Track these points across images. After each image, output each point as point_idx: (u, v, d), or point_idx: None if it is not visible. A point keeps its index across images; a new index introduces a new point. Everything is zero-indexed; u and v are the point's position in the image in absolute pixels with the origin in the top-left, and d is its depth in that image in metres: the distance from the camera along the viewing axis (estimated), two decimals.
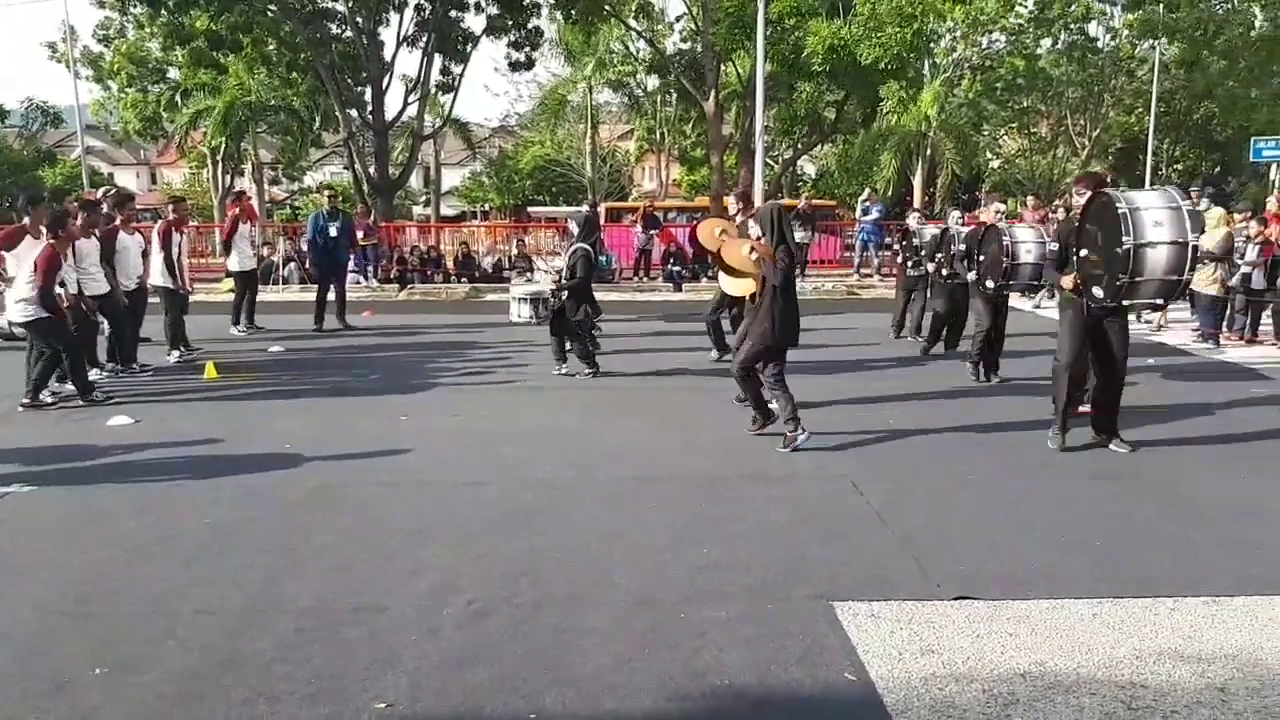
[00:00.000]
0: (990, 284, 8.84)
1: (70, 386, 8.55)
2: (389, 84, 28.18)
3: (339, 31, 28.38)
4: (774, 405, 6.99)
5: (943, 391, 8.65)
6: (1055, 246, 6.96)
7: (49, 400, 8.32)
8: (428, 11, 26.96)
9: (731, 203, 9.52)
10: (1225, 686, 3.49)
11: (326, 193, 14.67)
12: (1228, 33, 28.24)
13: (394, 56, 27.81)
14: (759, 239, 6.72)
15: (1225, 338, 11.70)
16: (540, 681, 3.55)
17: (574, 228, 9.37)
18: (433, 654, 3.76)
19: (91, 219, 9.16)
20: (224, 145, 34.13)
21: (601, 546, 4.92)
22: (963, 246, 9.49)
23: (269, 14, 26.00)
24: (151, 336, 10.64)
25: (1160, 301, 6.82)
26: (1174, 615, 4.08)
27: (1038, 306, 14.21)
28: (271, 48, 29.16)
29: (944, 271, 10.19)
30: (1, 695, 3.47)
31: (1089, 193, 6.52)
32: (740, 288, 7.14)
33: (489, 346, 11.50)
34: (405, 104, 29.78)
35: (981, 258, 8.99)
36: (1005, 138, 38.93)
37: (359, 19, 26.92)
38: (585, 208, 15.84)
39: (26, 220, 8.22)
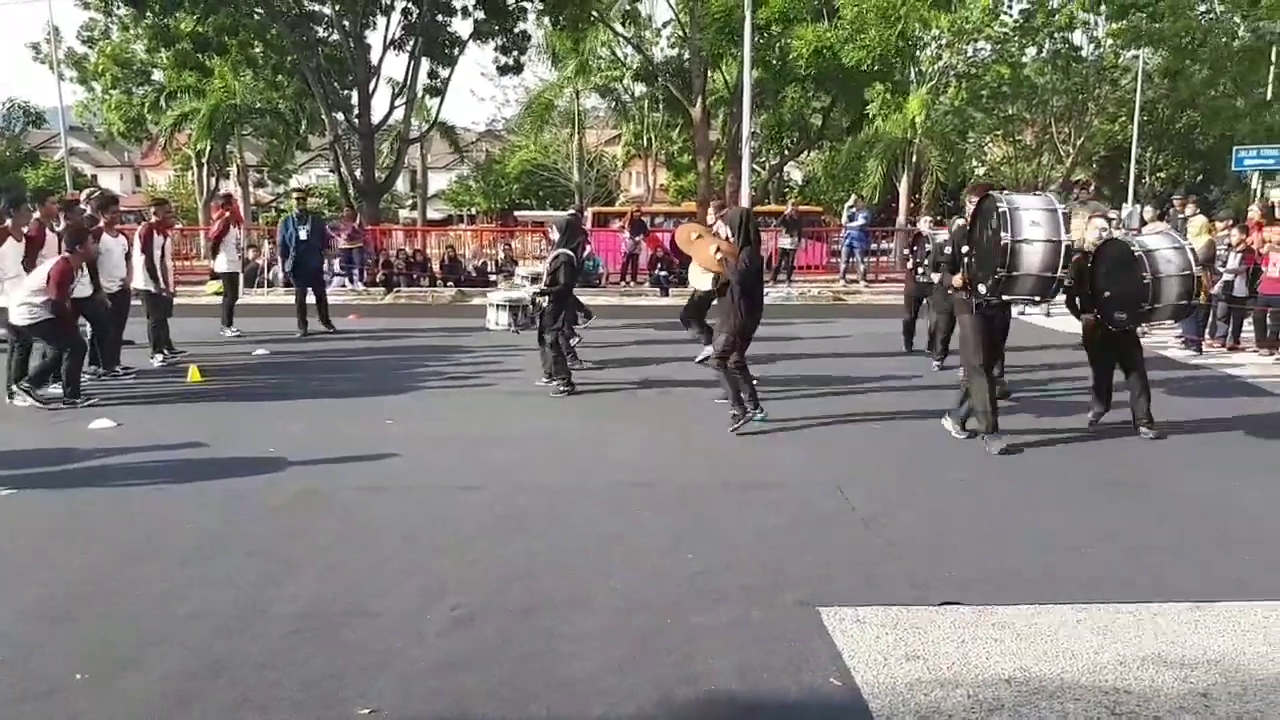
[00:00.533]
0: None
1: (54, 390, 8.52)
2: (375, 87, 28.12)
3: (326, 34, 28.27)
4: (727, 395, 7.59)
5: (928, 397, 8.68)
6: (949, 250, 7.65)
7: (42, 397, 8.28)
8: (415, 15, 26.89)
9: (711, 212, 9.98)
10: (1208, 692, 3.52)
11: (295, 195, 14.35)
12: (1211, 42, 28.49)
13: (381, 60, 27.74)
14: (727, 239, 7.42)
15: (1208, 345, 11.79)
16: (530, 687, 3.54)
17: (555, 234, 9.08)
18: (422, 659, 3.75)
19: (75, 220, 9.10)
20: (209, 148, 34.01)
21: (591, 552, 4.92)
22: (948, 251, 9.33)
23: (255, 16, 25.88)
24: (135, 339, 10.57)
25: (1037, 298, 7.21)
26: (1157, 620, 4.11)
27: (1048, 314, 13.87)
28: (258, 50, 29.05)
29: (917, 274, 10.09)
30: None
31: (979, 198, 7.03)
32: (708, 283, 8.44)
33: (475, 350, 11.48)
34: (392, 107, 29.71)
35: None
36: (990, 145, 39.14)
37: (346, 22, 26.82)
38: (571, 212, 15.80)
39: (9, 222, 8.17)
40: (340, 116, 28.40)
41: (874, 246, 22.14)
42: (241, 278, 13.72)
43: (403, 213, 50.25)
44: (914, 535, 5.18)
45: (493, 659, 3.75)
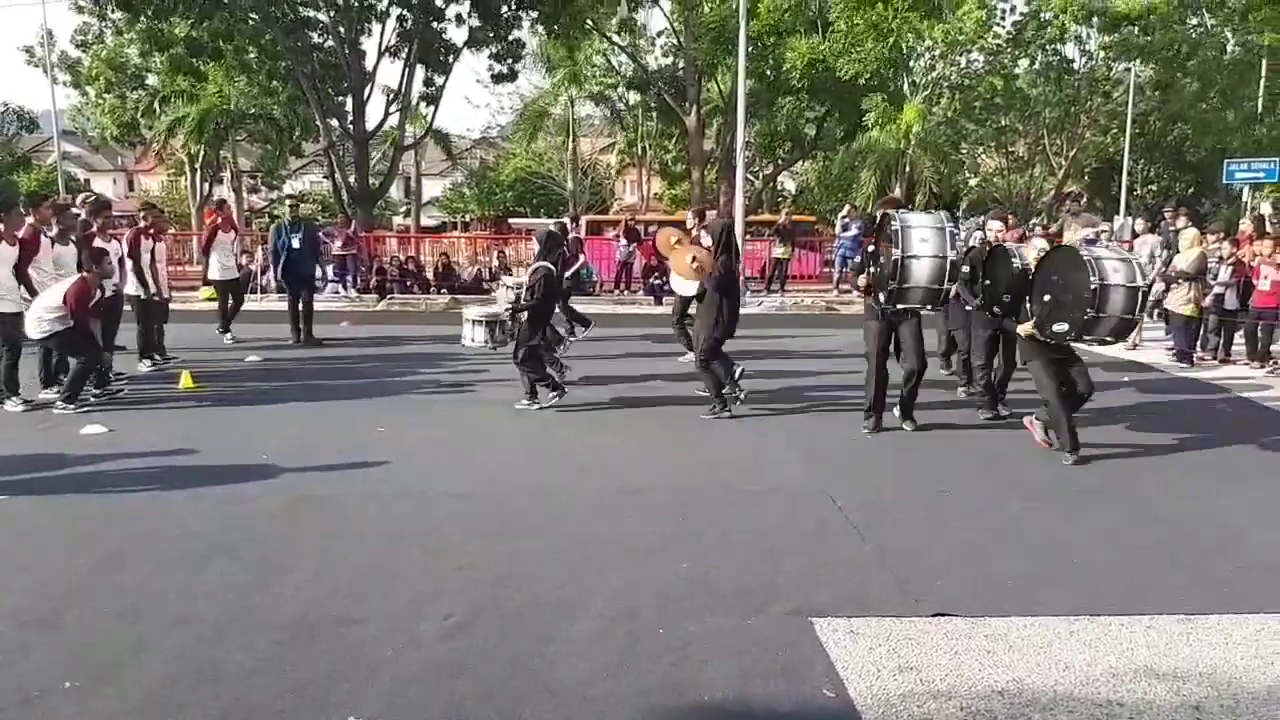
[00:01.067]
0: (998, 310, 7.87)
1: (47, 394, 8.53)
2: (370, 94, 28.09)
3: (320, 41, 28.27)
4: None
5: (921, 406, 8.68)
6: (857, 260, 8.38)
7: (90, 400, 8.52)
8: (410, 23, 26.91)
9: (689, 218, 10.37)
10: (1200, 705, 3.52)
11: (288, 202, 14.19)
12: (1200, 55, 28.66)
13: (375, 67, 27.73)
14: (708, 249, 8.07)
15: (1199, 357, 11.84)
16: (520, 693, 3.53)
17: (535, 245, 8.55)
18: (412, 665, 3.73)
19: (68, 224, 9.09)
20: (203, 153, 33.93)
21: (583, 558, 4.91)
22: (966, 269, 8.33)
23: (250, 22, 25.85)
24: (126, 344, 10.53)
25: (928, 308, 7.60)
26: (1150, 633, 4.11)
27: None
28: (252, 56, 29.01)
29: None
30: None
31: (882, 213, 7.62)
32: (689, 289, 9.18)
33: (468, 358, 11.47)
34: (386, 114, 29.71)
35: (988, 282, 7.88)
36: (983, 156, 39.28)
37: (341, 29, 26.83)
38: (567, 219, 15.79)
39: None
40: (335, 123, 28.40)
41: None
42: (239, 283, 13.59)
43: (396, 219, 50.21)
44: (907, 545, 5.18)
45: (484, 665, 3.74)
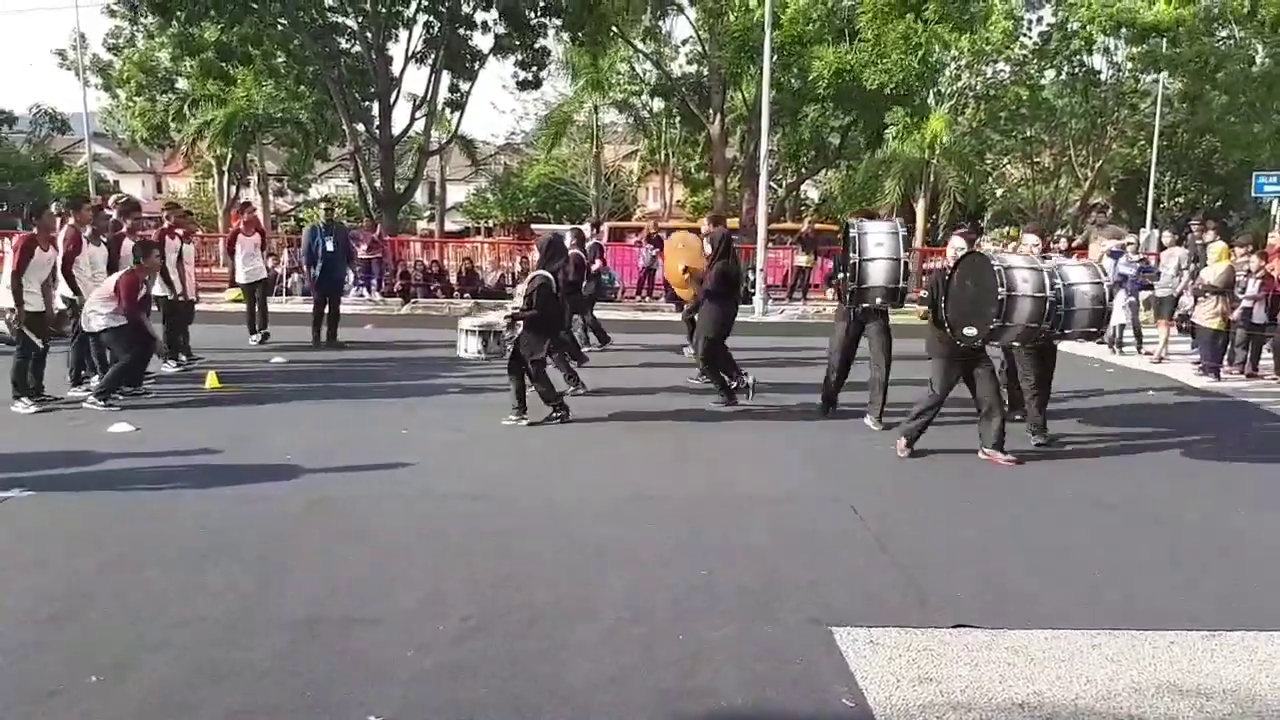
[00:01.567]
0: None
1: (75, 392, 8.69)
2: (396, 99, 28.27)
3: (348, 46, 28.50)
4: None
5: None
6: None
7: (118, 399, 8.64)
8: (436, 29, 27.08)
9: (706, 224, 10.53)
10: None
11: (323, 205, 14.14)
12: (1229, 68, 28.40)
13: (402, 72, 27.88)
14: (707, 255, 9.04)
15: (1226, 371, 11.71)
16: (534, 697, 3.53)
17: (536, 253, 8.20)
18: (427, 667, 3.74)
19: (100, 225, 9.22)
20: (230, 156, 34.28)
21: (598, 563, 4.91)
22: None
23: (279, 27, 26.11)
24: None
25: (887, 307, 8.09)
26: (1173, 648, 4.07)
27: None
28: (280, 60, 29.30)
29: None
30: None
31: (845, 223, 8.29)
32: (687, 294, 10.37)
33: (491, 363, 11.50)
34: (412, 120, 29.89)
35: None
36: (1008, 166, 39.06)
37: (368, 34, 27.03)
38: (585, 225, 15.79)
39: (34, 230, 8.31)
40: (361, 127, 28.59)
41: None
42: (265, 284, 13.65)
43: (420, 224, 50.50)
44: (927, 555, 5.15)
45: (497, 668, 3.75)
